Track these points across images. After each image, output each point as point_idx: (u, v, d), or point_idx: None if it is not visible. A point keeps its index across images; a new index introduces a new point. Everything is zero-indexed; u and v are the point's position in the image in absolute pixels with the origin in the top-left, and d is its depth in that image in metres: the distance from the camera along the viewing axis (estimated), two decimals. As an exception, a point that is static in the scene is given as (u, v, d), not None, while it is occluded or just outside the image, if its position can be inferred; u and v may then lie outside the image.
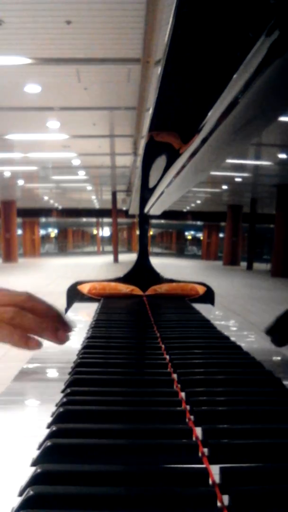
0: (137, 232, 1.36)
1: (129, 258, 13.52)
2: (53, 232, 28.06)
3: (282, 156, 8.25)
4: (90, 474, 0.26)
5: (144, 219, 1.34)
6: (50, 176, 11.31)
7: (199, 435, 0.33)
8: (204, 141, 0.49)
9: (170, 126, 0.53)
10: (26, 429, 0.36)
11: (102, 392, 0.41)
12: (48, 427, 0.36)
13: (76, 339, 0.71)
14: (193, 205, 15.46)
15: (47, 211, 19.56)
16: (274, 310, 0.70)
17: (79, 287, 1.17)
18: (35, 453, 0.30)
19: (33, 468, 0.27)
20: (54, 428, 0.33)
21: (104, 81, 5.57)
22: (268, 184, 10.42)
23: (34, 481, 0.26)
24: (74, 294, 1.18)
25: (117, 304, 1.07)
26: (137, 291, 1.18)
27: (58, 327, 0.43)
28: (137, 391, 0.42)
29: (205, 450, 0.30)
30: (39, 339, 0.42)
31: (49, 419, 0.37)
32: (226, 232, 13.82)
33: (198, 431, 0.33)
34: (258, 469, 0.27)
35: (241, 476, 0.26)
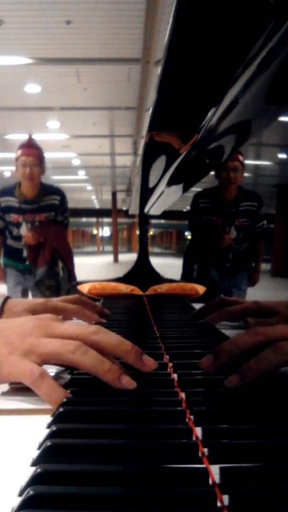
0: (137, 232, 1.36)
1: (129, 258, 13.51)
2: (53, 232, 27.95)
3: (282, 156, 8.25)
4: (90, 474, 0.26)
5: (144, 219, 1.34)
6: (50, 176, 11.31)
7: (199, 435, 0.33)
8: (204, 141, 0.49)
9: (170, 126, 0.53)
10: (26, 429, 0.36)
11: (102, 392, 0.41)
12: (48, 427, 0.35)
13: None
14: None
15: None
16: (274, 310, 0.70)
17: (79, 287, 1.17)
18: (35, 453, 0.30)
19: (33, 468, 0.27)
20: (54, 428, 0.33)
21: (104, 81, 5.58)
22: (268, 184, 10.42)
23: (34, 481, 0.26)
24: (74, 294, 1.18)
25: (117, 304, 1.06)
26: (137, 291, 1.18)
27: (124, 373, 0.42)
28: (137, 391, 0.42)
29: (205, 450, 0.30)
30: None
31: (49, 419, 0.37)
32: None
33: (198, 431, 0.33)
34: (258, 469, 0.27)
35: (241, 476, 0.26)
